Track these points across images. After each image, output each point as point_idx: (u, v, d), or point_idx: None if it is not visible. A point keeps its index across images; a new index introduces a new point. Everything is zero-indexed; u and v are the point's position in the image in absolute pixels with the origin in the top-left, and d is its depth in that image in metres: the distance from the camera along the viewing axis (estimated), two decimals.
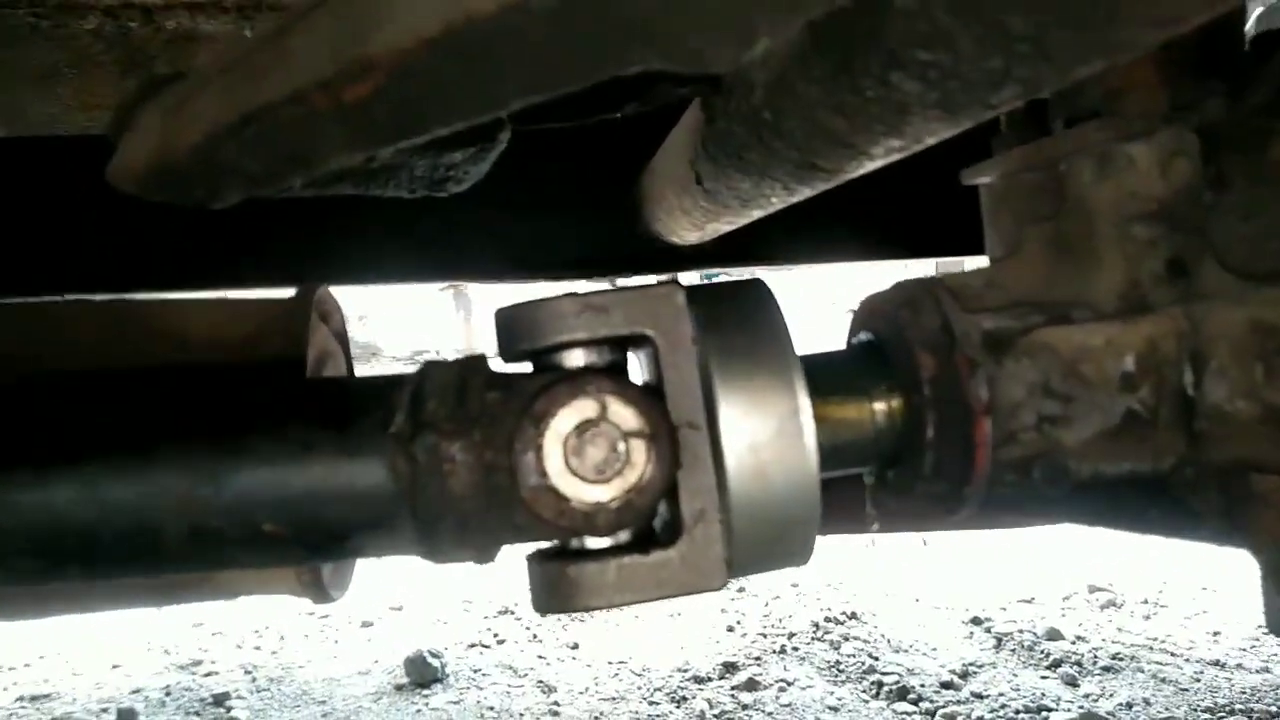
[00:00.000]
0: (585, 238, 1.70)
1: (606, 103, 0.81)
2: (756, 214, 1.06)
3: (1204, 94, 0.61)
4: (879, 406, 0.63)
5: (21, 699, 2.63)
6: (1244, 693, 2.40)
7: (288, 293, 1.17)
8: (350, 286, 1.76)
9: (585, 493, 0.56)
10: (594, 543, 0.60)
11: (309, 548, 0.61)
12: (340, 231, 1.64)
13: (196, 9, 1.12)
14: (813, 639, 2.84)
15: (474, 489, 0.58)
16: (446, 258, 1.72)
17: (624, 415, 0.56)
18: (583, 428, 0.56)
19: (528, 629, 2.98)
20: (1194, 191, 0.60)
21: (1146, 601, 3.06)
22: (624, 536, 0.61)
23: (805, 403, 0.57)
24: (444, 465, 0.58)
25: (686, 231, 1.33)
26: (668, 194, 1.25)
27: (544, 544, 0.64)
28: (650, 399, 0.57)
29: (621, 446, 0.56)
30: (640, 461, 0.56)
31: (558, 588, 0.59)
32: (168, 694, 2.62)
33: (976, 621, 2.95)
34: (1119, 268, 0.61)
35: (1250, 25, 1.89)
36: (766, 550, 0.60)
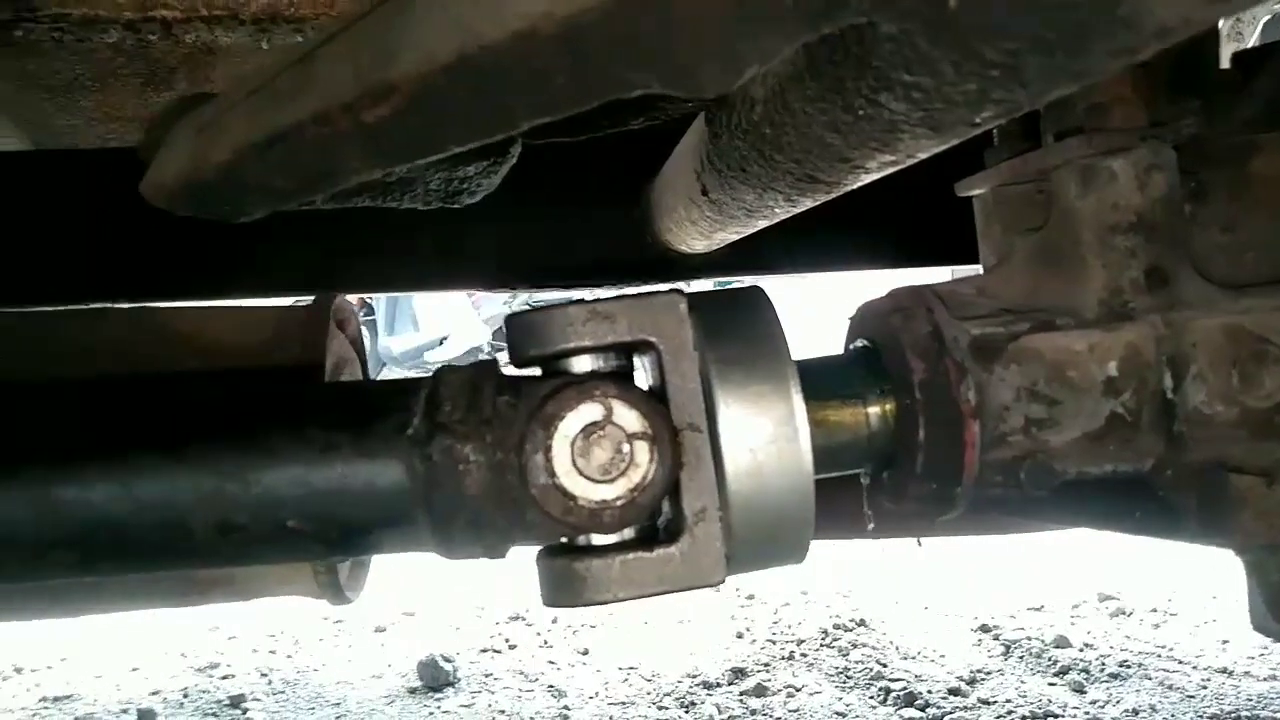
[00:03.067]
0: (595, 246, 1.73)
1: (612, 120, 0.85)
2: (762, 224, 1.09)
3: (1181, 111, 0.64)
4: (873, 410, 0.66)
5: (44, 700, 2.68)
6: (1250, 700, 2.40)
7: (305, 300, 1.21)
8: (366, 294, 1.79)
9: (591, 491, 0.59)
10: (600, 540, 0.63)
11: (329, 544, 0.64)
12: (355, 241, 1.67)
13: (214, 22, 1.15)
14: (821, 645, 2.85)
15: (486, 488, 0.61)
16: (459, 266, 1.74)
17: (628, 418, 0.59)
18: (589, 430, 0.59)
19: (539, 635, 3.01)
20: (1172, 204, 0.63)
21: (1156, 610, 3.06)
22: (629, 534, 0.64)
23: (800, 406, 0.60)
24: (458, 466, 0.61)
25: (695, 241, 1.36)
26: (675, 204, 1.28)
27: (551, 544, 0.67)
28: (653, 403, 0.60)
29: (626, 448, 0.59)
30: (644, 462, 0.59)
31: (565, 582, 0.62)
32: (185, 696, 2.66)
33: (985, 629, 2.95)
34: (1101, 276, 0.63)
35: (1257, 34, 1.91)
36: (764, 548, 0.62)
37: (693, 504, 0.61)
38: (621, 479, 0.59)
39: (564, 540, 0.65)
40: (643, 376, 0.67)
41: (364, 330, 1.77)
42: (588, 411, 0.59)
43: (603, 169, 1.63)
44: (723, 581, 0.62)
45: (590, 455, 0.59)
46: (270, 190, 0.64)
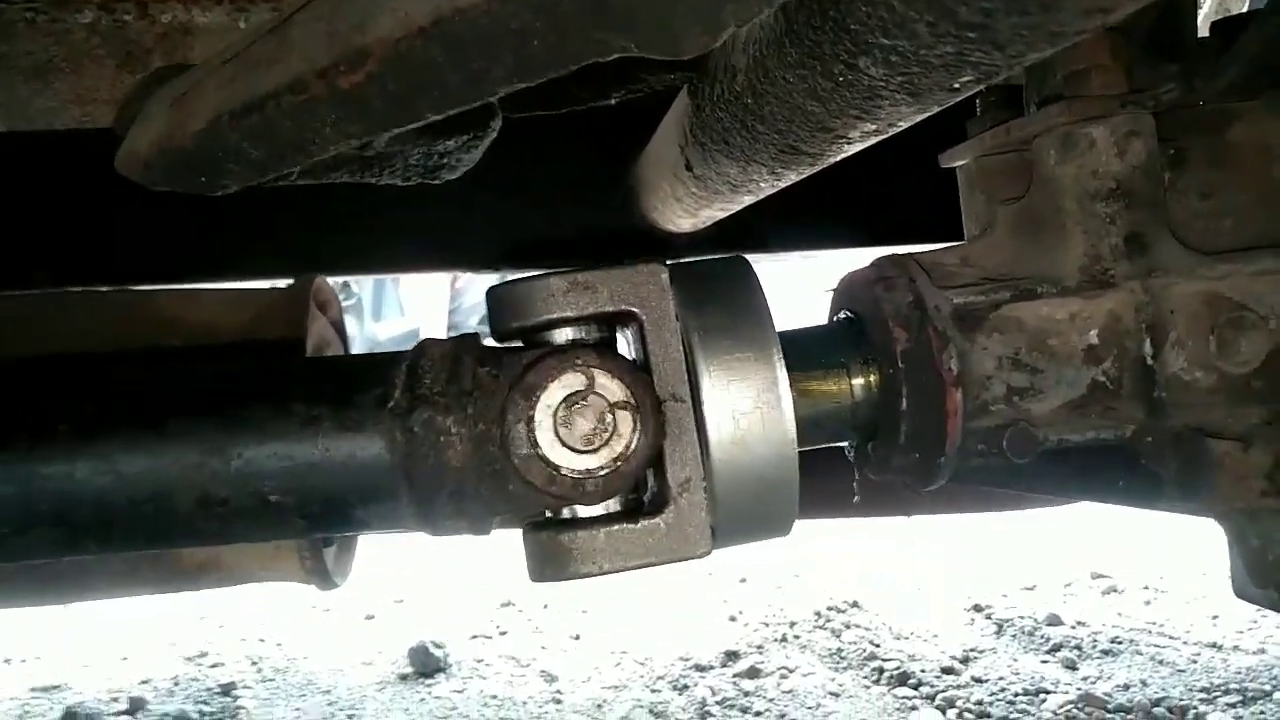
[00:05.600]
0: (580, 226, 1.72)
1: (593, 90, 0.84)
2: (747, 200, 1.09)
3: (1160, 77, 0.64)
4: (857, 380, 0.66)
5: (34, 689, 2.67)
6: (1239, 673, 2.42)
7: (286, 283, 1.20)
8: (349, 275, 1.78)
9: (575, 461, 0.59)
10: (585, 512, 0.63)
11: (311, 518, 0.64)
12: (338, 223, 1.65)
13: (191, 1, 1.14)
14: (815, 627, 2.86)
15: (468, 460, 0.60)
16: (444, 248, 1.73)
17: (610, 387, 0.59)
18: (571, 400, 0.59)
19: (530, 620, 3.01)
20: (1151, 170, 0.63)
21: (1147, 587, 3.08)
22: (614, 506, 0.63)
23: (783, 375, 0.59)
24: (440, 438, 0.60)
25: (680, 218, 1.36)
26: (661, 182, 1.28)
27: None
28: (636, 372, 0.60)
29: (609, 417, 0.59)
30: (627, 431, 0.59)
31: (551, 555, 0.62)
32: (176, 684, 2.65)
33: (978, 609, 2.97)
34: (1082, 243, 0.63)
35: (1246, 2, 1.90)
36: (749, 518, 0.62)
37: (677, 475, 0.61)
38: (604, 449, 0.58)
39: (549, 514, 0.65)
40: (625, 347, 0.67)
41: (348, 316, 1.76)
42: (570, 381, 0.59)
43: (588, 148, 1.62)
44: (709, 553, 0.62)
45: (573, 425, 0.59)
46: (247, 160, 0.63)
